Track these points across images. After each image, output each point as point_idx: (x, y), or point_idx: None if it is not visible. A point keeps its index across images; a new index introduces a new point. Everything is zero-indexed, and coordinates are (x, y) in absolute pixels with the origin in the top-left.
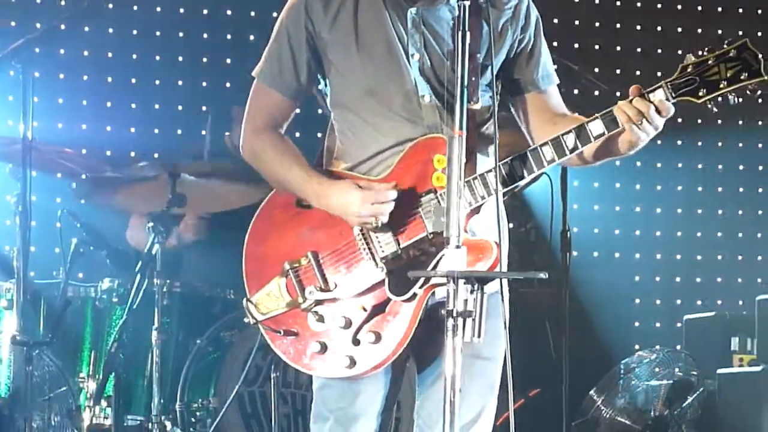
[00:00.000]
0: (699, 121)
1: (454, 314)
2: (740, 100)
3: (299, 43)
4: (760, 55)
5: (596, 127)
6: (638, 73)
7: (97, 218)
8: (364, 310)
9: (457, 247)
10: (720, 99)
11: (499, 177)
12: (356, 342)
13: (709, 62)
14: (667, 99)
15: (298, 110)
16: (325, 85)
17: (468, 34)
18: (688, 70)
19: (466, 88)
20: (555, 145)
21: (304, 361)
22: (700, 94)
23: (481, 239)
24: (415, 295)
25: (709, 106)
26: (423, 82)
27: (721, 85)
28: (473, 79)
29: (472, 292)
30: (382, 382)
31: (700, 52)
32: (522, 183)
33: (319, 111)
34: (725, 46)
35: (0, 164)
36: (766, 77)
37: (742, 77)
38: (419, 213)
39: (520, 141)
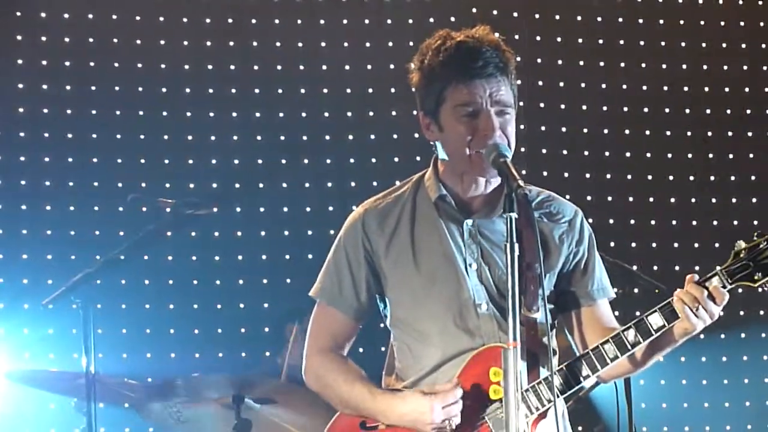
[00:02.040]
0: (761, 312)
1: None
2: None
3: (358, 261)
4: None
5: (655, 319)
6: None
7: None
8: None
9: None
10: None
11: (563, 379)
12: None
13: (761, 246)
14: (723, 286)
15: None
16: (384, 306)
17: (516, 246)
18: (741, 255)
19: (518, 301)
20: (616, 342)
21: None
22: (756, 278)
23: None
24: None
25: (767, 289)
26: (481, 291)
27: None
28: (532, 288)
29: None
30: None
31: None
32: (586, 384)
33: (381, 325)
34: None
35: (65, 399)
36: None
37: None
38: (486, 422)
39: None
